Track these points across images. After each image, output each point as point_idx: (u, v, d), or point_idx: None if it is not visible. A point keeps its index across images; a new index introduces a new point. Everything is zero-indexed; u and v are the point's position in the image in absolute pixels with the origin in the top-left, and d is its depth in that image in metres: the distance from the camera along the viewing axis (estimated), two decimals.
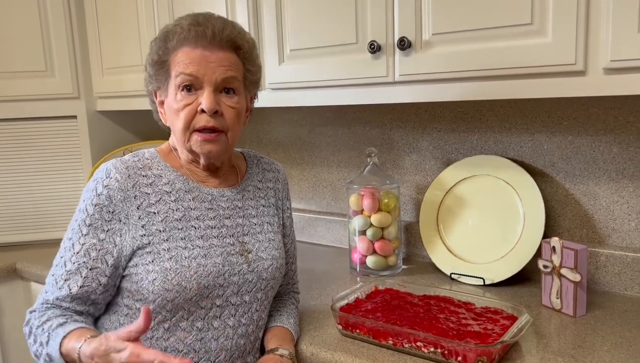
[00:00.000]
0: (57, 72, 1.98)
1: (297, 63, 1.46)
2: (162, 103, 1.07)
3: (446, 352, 1.01)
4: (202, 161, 1.06)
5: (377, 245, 1.54)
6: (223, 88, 1.01)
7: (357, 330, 1.13)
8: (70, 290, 0.98)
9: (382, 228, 1.54)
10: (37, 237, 2.03)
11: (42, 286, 1.76)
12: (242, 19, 1.53)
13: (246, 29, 1.50)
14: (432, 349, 1.02)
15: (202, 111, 0.99)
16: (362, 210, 1.55)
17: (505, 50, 1.13)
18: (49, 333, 0.95)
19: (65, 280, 0.99)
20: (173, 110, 1.02)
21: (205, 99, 0.99)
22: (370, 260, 1.55)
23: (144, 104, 1.89)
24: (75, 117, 2.02)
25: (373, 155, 1.58)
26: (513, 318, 1.10)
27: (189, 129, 1.01)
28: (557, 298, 1.24)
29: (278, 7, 1.46)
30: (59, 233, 2.03)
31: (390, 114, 1.70)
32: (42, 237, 2.03)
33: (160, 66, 1.03)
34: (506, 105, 1.48)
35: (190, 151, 1.04)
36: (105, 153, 2.07)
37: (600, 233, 1.38)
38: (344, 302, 1.21)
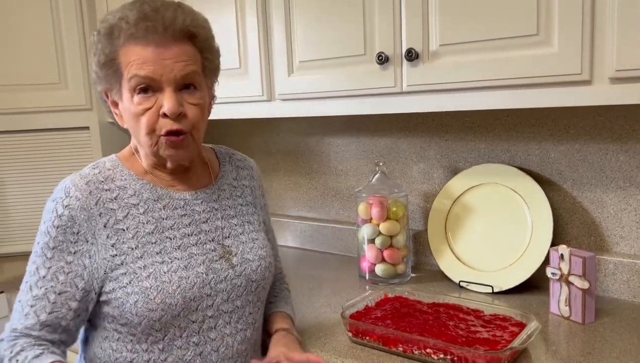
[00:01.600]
0: (70, 84, 2.01)
1: (306, 74, 1.49)
2: (115, 104, 0.98)
3: (456, 358, 1.02)
4: (169, 165, 0.99)
5: (386, 253, 1.56)
6: (183, 85, 0.93)
7: (367, 337, 1.14)
8: (38, 317, 0.91)
9: (391, 237, 1.56)
10: None
11: None
12: (252, 32, 1.55)
13: (256, 42, 1.55)
14: (441, 356, 1.04)
15: (165, 115, 0.92)
16: (371, 218, 1.57)
17: (511, 60, 1.15)
18: None
19: (31, 307, 0.91)
20: (132, 114, 0.93)
21: (167, 102, 0.91)
22: (379, 269, 1.56)
23: None
24: (87, 128, 2.05)
25: (381, 164, 1.59)
26: (522, 325, 1.11)
27: (155, 133, 0.93)
28: (566, 305, 1.25)
29: (287, 19, 1.49)
30: None
31: (398, 123, 1.72)
32: None
33: (108, 67, 0.94)
34: (513, 115, 1.49)
35: (156, 155, 0.97)
36: None
37: (609, 241, 1.39)
38: (353, 310, 1.22)
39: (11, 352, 0.90)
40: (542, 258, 1.37)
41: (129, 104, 0.93)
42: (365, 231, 1.58)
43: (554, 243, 1.37)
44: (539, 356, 1.08)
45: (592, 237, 1.41)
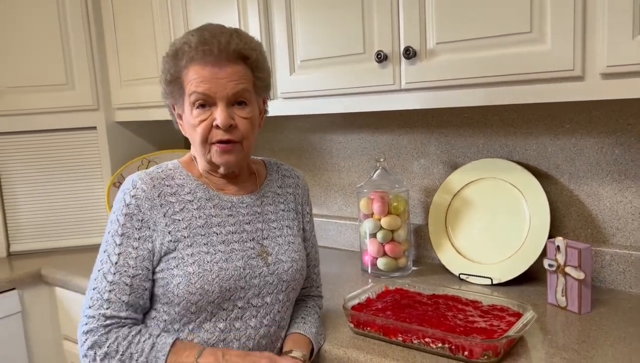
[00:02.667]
0: (77, 85, 2.06)
1: (308, 73, 1.52)
2: (180, 116, 1.12)
3: (453, 347, 1.05)
4: (221, 170, 1.11)
5: (387, 247, 1.59)
6: (235, 101, 1.05)
7: (368, 328, 1.17)
8: (120, 299, 1.01)
9: (392, 231, 1.59)
10: (60, 244, 2.10)
11: (66, 291, 1.83)
12: (254, 32, 1.58)
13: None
14: (440, 345, 1.07)
15: (218, 126, 1.04)
16: (372, 213, 1.60)
17: (506, 57, 1.18)
18: (147, 359, 0.99)
19: (110, 291, 1.01)
20: (190, 125, 1.07)
21: (219, 116, 1.03)
22: (381, 262, 1.60)
23: (160, 115, 1.96)
24: (95, 128, 2.10)
25: (382, 160, 1.63)
26: (519, 315, 1.14)
27: (207, 142, 1.06)
28: (563, 296, 1.28)
29: (289, 19, 1.53)
30: (81, 240, 2.11)
31: (398, 120, 1.75)
32: (65, 244, 2.10)
33: (174, 84, 1.07)
34: (510, 110, 1.52)
35: (210, 162, 1.09)
36: (124, 162, 2.14)
37: (605, 233, 1.41)
38: (355, 302, 1.26)
39: (117, 345, 1.00)
40: (540, 251, 1.40)
41: (189, 116, 1.07)
42: (367, 226, 1.61)
43: (551, 236, 1.40)
44: (536, 344, 1.11)
45: (588, 229, 1.43)
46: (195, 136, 1.07)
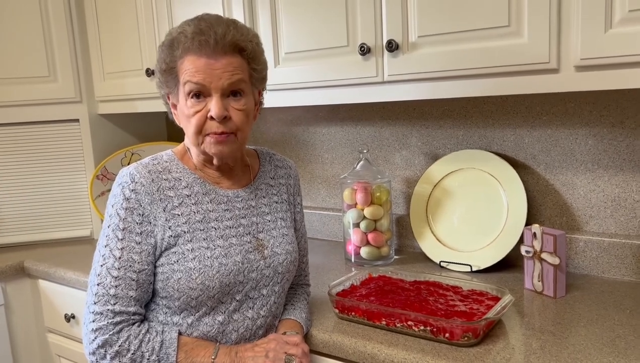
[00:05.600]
0: (60, 77, 2.05)
1: (292, 65, 1.54)
2: (174, 105, 1.11)
3: (435, 329, 1.09)
4: (215, 162, 1.10)
5: (370, 236, 1.63)
6: (230, 92, 1.04)
7: (353, 313, 1.21)
8: (128, 294, 1.01)
9: (375, 221, 1.63)
10: (43, 237, 2.10)
11: (50, 283, 1.83)
12: None
13: None
14: (422, 327, 1.11)
15: (212, 118, 1.03)
16: (356, 203, 1.63)
17: (485, 50, 1.22)
18: (158, 356, 1.01)
19: (116, 287, 1.01)
20: (184, 115, 1.06)
21: (213, 107, 1.02)
22: (364, 251, 1.63)
23: (144, 107, 1.96)
24: (77, 120, 2.09)
25: (365, 151, 1.66)
26: (497, 299, 1.18)
27: (201, 133, 1.05)
28: (539, 281, 1.33)
29: (273, 12, 1.55)
30: (63, 233, 2.10)
31: (381, 112, 1.78)
32: (48, 237, 2.10)
33: (168, 73, 1.06)
34: (489, 102, 1.57)
35: (204, 153, 1.09)
36: (107, 155, 2.14)
37: (579, 221, 1.47)
38: (340, 288, 1.29)
39: (128, 344, 1.00)
40: (517, 238, 1.45)
41: (183, 106, 1.06)
42: (350, 215, 1.64)
43: (528, 224, 1.45)
44: (513, 326, 1.16)
45: (563, 217, 1.49)
46: (189, 127, 1.06)
